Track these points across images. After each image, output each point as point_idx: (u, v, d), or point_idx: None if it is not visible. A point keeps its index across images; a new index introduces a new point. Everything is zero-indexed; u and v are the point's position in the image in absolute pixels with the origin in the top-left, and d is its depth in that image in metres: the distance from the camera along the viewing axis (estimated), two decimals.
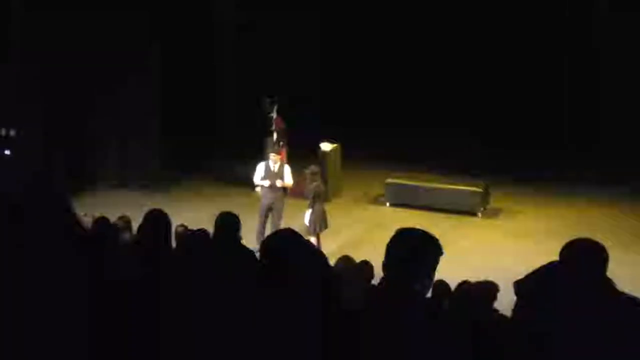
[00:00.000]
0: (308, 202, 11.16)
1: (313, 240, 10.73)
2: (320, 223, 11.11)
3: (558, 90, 16.88)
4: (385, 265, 3.31)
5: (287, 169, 11.53)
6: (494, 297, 6.60)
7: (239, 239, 6.45)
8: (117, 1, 13.54)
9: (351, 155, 14.79)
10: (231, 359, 3.19)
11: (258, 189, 11.57)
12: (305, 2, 17.38)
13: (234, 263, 5.29)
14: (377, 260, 6.52)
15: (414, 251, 3.27)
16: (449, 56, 17.73)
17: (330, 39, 18.18)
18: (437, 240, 3.32)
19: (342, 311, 3.34)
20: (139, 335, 3.47)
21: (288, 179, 11.47)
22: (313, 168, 11.55)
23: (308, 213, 11.04)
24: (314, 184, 11.19)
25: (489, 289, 6.63)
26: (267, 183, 11.36)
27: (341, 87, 17.82)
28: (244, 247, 6.46)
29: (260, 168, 11.49)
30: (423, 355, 3.08)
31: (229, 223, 6.24)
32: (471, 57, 17.57)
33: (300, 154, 14.63)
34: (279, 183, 11.36)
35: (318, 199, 11.19)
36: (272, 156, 11.44)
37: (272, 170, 11.40)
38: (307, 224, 10.99)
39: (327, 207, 12.62)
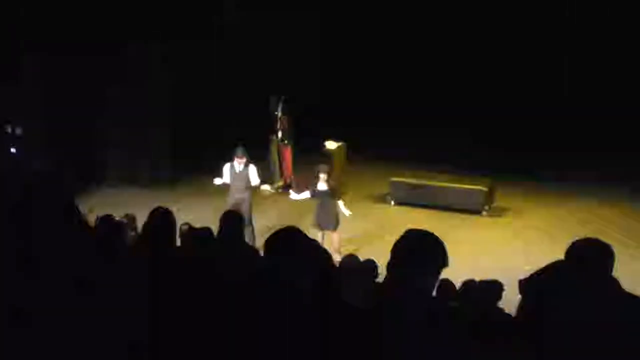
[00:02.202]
0: (324, 199, 11.05)
1: (336, 235, 10.85)
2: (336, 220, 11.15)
3: (561, 89, 16.90)
4: (391, 265, 3.31)
5: (252, 169, 11.52)
6: (499, 296, 6.60)
7: (242, 237, 6.46)
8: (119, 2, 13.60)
9: (355, 153, 14.80)
10: (234, 355, 3.19)
11: (217, 181, 11.60)
12: (305, 2, 17.41)
13: (237, 260, 5.29)
14: (381, 258, 6.49)
15: (421, 252, 3.26)
16: (451, 56, 17.76)
17: (330, 38, 18.21)
18: (444, 246, 3.30)
19: (345, 308, 3.34)
20: (137, 332, 3.46)
21: (254, 180, 11.53)
22: (327, 167, 11.53)
23: (342, 206, 11.01)
24: (332, 182, 11.22)
25: (494, 288, 6.63)
26: (219, 181, 11.49)
27: (342, 87, 17.84)
28: (247, 244, 6.47)
29: (226, 169, 11.52)
30: (426, 353, 3.07)
31: (233, 222, 6.26)
32: (473, 57, 17.60)
33: (306, 153, 14.69)
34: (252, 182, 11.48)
35: (335, 197, 11.18)
36: (237, 158, 11.43)
37: (237, 172, 11.44)
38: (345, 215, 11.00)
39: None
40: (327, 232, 10.95)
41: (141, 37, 14.11)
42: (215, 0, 16.47)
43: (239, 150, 11.45)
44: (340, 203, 11.05)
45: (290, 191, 11.42)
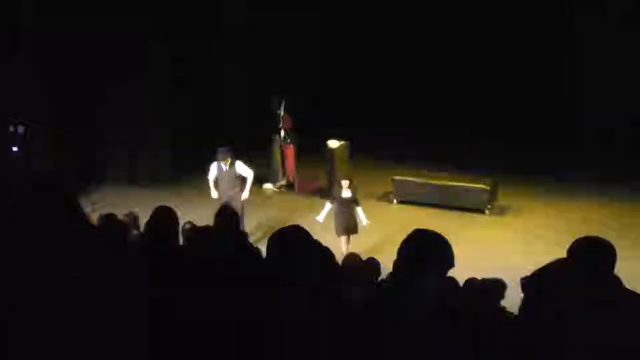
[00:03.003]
0: (349, 206, 11.06)
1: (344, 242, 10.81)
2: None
3: (565, 88, 16.85)
4: (397, 264, 3.30)
5: (239, 165, 11.53)
6: (502, 295, 6.59)
7: (244, 235, 6.44)
8: (124, 5, 13.61)
9: (358, 152, 14.79)
10: (234, 354, 3.19)
11: (214, 195, 11.52)
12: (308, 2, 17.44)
13: (238, 259, 5.29)
14: (383, 257, 6.50)
15: (428, 252, 3.25)
16: (451, 54, 17.73)
17: (331, 38, 18.21)
18: (451, 247, 3.30)
19: (347, 307, 3.34)
20: (138, 330, 3.46)
21: (246, 173, 11.53)
22: (347, 175, 11.59)
23: (361, 213, 11.05)
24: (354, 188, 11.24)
25: (496, 287, 6.62)
26: (215, 194, 11.45)
27: (344, 86, 17.84)
28: (248, 243, 6.45)
29: (214, 167, 11.57)
30: (428, 353, 3.07)
31: (227, 217, 6.22)
32: (476, 56, 17.58)
33: (308, 152, 14.70)
34: (244, 195, 11.47)
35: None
36: (222, 157, 11.43)
37: (224, 171, 11.48)
38: (362, 223, 11.04)
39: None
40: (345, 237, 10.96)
41: (144, 37, 14.15)
42: (217, 1, 16.49)
43: (222, 152, 11.46)
44: (360, 209, 11.08)
45: (316, 218, 11.15)
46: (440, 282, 3.29)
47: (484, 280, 6.68)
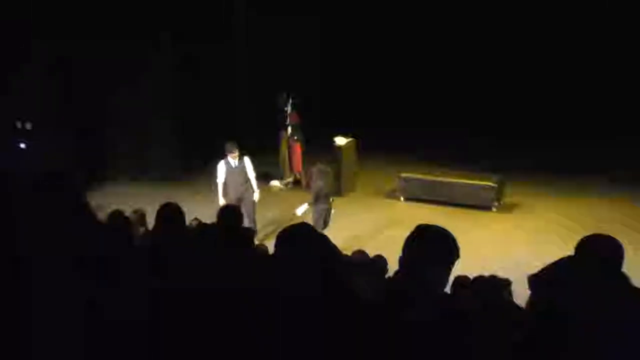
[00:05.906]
0: (311, 199, 10.89)
1: None
2: (320, 222, 10.80)
3: (573, 85, 16.78)
4: (402, 260, 3.30)
5: (247, 162, 11.29)
6: (509, 293, 6.58)
7: (249, 231, 6.44)
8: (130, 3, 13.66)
9: (365, 149, 14.78)
10: (241, 352, 3.20)
11: (222, 202, 11.03)
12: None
13: (241, 256, 5.29)
14: (390, 254, 6.50)
15: (433, 246, 3.25)
16: (458, 52, 17.68)
17: (333, 42, 18.20)
18: (455, 239, 3.30)
19: (353, 303, 3.34)
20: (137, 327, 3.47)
21: (251, 172, 11.34)
22: (320, 166, 11.29)
23: (303, 207, 10.78)
24: (318, 183, 10.91)
25: (503, 284, 6.61)
26: (222, 202, 10.93)
27: (348, 85, 17.82)
28: (250, 242, 6.44)
29: (221, 167, 11.25)
30: (436, 349, 3.07)
31: (231, 216, 6.23)
32: (482, 52, 17.51)
33: (315, 149, 14.69)
34: (255, 195, 11.35)
35: (319, 199, 10.86)
36: (230, 153, 11.19)
37: (233, 167, 11.25)
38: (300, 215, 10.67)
39: (343, 201, 12.65)
40: None
41: (150, 38, 14.17)
42: (224, 3, 16.51)
43: (230, 145, 11.23)
44: (305, 203, 10.90)
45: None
46: (447, 274, 3.29)
47: (491, 277, 6.68)
